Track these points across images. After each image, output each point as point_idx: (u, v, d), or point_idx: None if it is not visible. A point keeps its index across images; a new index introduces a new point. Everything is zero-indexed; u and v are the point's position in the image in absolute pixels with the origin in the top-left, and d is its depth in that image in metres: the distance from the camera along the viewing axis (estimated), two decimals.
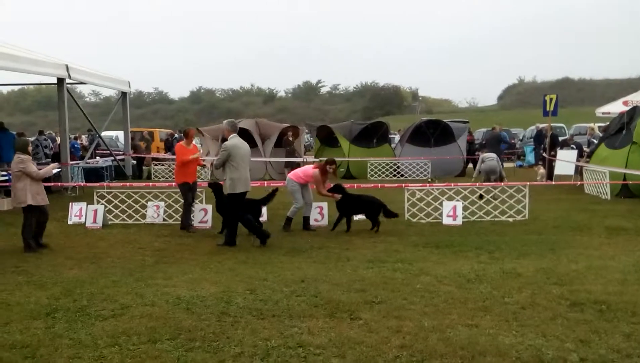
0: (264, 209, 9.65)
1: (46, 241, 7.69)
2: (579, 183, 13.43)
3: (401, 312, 4.71)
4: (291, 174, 8.97)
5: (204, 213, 9.21)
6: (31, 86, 64.78)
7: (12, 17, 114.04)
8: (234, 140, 7.52)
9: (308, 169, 8.92)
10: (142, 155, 20.11)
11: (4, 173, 12.21)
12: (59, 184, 13.22)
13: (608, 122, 14.99)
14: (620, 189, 11.88)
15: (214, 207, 8.80)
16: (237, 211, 7.50)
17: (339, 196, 8.60)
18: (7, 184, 11.83)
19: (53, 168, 8.34)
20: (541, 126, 18.15)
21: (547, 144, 15.86)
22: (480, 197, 10.80)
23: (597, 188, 12.31)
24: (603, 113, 19.66)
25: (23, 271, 6.28)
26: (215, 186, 8.49)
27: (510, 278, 5.74)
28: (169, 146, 22.79)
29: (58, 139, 19.15)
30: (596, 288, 5.29)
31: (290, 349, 3.99)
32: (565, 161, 15.17)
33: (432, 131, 19.14)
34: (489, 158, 15.20)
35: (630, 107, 14.52)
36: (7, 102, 79.60)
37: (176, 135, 24.55)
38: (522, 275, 5.82)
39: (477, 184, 11.27)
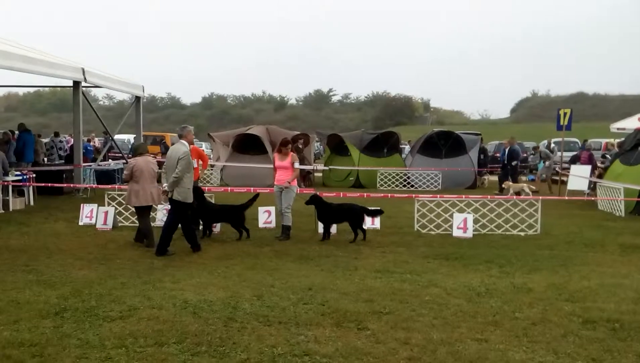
0: (272, 216, 9.68)
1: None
2: (593, 198, 13.26)
3: (409, 324, 4.66)
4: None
5: None
6: (46, 88, 65.83)
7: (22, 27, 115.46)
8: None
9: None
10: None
11: (18, 172, 12.36)
12: (71, 185, 13.35)
13: (623, 138, 14.85)
14: (635, 206, 11.70)
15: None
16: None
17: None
18: (21, 184, 11.99)
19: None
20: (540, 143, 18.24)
21: (552, 156, 15.82)
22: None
23: (611, 205, 12.14)
24: (618, 129, 19.42)
25: (33, 270, 6.33)
26: (196, 191, 8.66)
27: (521, 293, 5.66)
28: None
29: (68, 138, 19.39)
30: (609, 306, 5.19)
31: (297, 357, 3.96)
32: (579, 176, 15.01)
33: (444, 142, 19.05)
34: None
35: None
36: (22, 103, 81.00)
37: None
38: (533, 290, 5.74)
39: (489, 197, 11.15)
